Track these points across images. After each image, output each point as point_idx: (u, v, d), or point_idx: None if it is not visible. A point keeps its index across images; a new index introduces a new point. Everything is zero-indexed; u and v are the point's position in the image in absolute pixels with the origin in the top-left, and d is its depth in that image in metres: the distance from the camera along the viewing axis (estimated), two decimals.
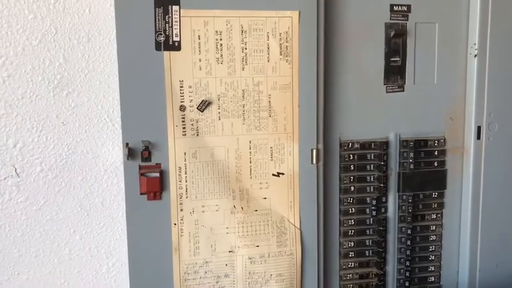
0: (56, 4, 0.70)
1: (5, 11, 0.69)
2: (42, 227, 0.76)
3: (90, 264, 0.79)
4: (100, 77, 0.73)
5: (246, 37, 0.74)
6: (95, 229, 0.78)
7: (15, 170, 0.73)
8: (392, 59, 0.82)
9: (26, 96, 0.72)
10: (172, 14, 0.71)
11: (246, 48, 0.75)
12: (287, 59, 0.76)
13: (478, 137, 0.84)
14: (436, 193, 0.86)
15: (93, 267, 0.79)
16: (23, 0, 0.69)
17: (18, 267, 0.76)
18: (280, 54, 0.76)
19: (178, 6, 0.71)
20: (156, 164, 0.74)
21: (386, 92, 0.82)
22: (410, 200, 0.84)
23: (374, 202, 0.83)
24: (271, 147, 0.77)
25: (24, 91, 0.71)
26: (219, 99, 0.75)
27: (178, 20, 0.72)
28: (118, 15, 0.70)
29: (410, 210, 0.84)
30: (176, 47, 0.72)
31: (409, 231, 0.85)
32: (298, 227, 0.79)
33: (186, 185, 0.75)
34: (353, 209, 0.83)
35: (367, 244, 0.84)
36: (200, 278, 0.77)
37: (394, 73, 0.82)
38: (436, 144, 0.85)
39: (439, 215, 0.86)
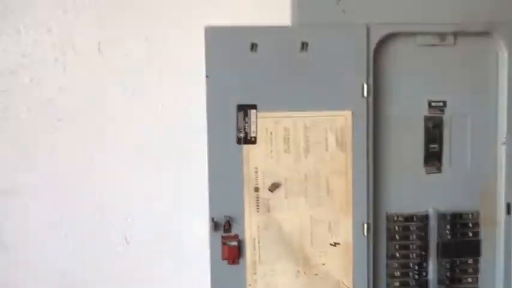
0: (162, 110, 0.90)
1: (123, 115, 0.90)
2: (144, 286, 0.94)
3: None
4: (193, 164, 0.92)
5: (308, 132, 0.91)
6: (186, 286, 0.95)
7: (125, 239, 0.92)
8: (431, 145, 0.96)
9: (136, 179, 0.91)
10: (250, 116, 0.90)
11: (308, 141, 0.92)
12: (342, 149, 0.92)
13: (508, 212, 0.97)
14: (472, 260, 0.98)
15: None
16: (136, 106, 0.89)
17: None
18: (337, 145, 0.92)
19: (255, 110, 0.90)
20: (235, 234, 0.91)
21: (426, 173, 0.96)
22: (448, 266, 0.97)
23: (416, 267, 0.97)
24: (329, 221, 0.93)
25: (135, 176, 0.91)
26: (286, 182, 0.92)
27: (255, 120, 0.90)
28: (209, 117, 0.89)
29: (448, 275, 0.97)
30: (253, 141, 0.90)
31: None
32: None
33: (259, 253, 0.92)
34: (398, 272, 0.97)
35: None
36: None
37: (433, 157, 0.97)
38: (470, 217, 0.97)
39: (475, 279, 0.98)
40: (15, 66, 0.84)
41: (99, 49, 0.85)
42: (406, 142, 0.95)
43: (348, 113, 0.92)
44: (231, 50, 0.88)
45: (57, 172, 0.88)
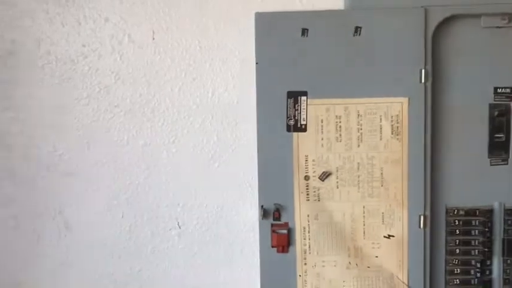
0: (213, 97, 0.91)
1: (176, 102, 0.92)
2: (195, 270, 0.96)
3: None
4: (243, 152, 0.92)
5: (361, 120, 0.88)
6: (235, 272, 0.96)
7: (177, 223, 0.94)
8: (496, 135, 0.90)
9: (188, 166, 0.93)
10: (300, 103, 0.88)
11: (361, 129, 0.89)
12: (397, 138, 0.88)
13: None
14: None
15: None
16: (189, 93, 0.91)
17: None
18: (392, 134, 0.88)
19: (305, 97, 0.88)
20: (285, 222, 0.90)
21: (491, 165, 0.90)
22: None
23: (478, 265, 0.91)
24: (382, 213, 0.90)
25: (187, 163, 0.93)
26: (337, 171, 0.90)
27: (305, 107, 0.88)
28: (259, 104, 0.88)
29: None
30: (303, 129, 0.89)
31: None
32: (407, 284, 0.90)
33: (309, 242, 0.90)
34: (458, 269, 0.91)
35: None
36: None
37: (498, 148, 0.90)
38: None
39: None
40: (75, 55, 0.89)
41: (153, 38, 0.88)
42: (469, 131, 0.90)
43: (404, 100, 0.88)
44: (282, 36, 0.87)
45: (114, 156, 0.92)
